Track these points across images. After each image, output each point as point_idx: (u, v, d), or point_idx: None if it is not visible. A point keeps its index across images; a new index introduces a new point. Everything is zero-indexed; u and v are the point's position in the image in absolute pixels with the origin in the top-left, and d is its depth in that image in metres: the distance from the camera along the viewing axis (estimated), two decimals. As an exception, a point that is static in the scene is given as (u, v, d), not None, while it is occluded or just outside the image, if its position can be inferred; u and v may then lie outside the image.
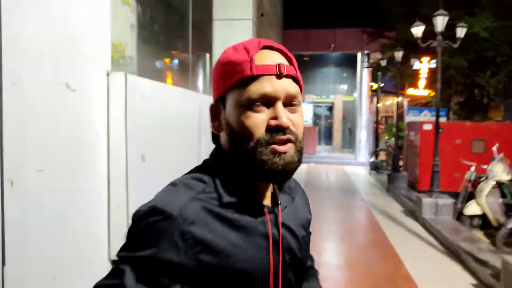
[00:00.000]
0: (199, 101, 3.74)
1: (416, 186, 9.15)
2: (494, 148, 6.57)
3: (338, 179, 11.88)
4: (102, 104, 2.08)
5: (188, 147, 3.38)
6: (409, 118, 11.21)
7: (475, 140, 8.98)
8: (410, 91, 22.97)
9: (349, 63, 19.05)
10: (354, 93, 19.55)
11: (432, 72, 18.72)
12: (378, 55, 13.73)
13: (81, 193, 1.86)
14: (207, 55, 7.85)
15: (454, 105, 11.91)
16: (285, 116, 0.76)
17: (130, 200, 2.08)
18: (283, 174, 0.78)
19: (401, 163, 10.61)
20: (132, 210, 2.47)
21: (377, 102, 12.50)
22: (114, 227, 2.04)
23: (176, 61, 7.84)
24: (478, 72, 9.90)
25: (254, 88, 0.76)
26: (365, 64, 15.05)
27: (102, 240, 2.00)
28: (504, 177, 5.98)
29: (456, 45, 6.88)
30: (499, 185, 6.15)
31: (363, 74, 16.43)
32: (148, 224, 0.73)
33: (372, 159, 13.03)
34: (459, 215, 6.50)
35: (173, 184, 0.81)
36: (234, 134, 0.79)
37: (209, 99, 5.01)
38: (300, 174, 12.74)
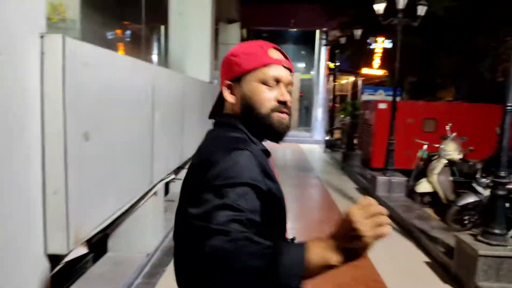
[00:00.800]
0: (153, 73, 3.43)
1: (370, 164, 9.36)
2: (447, 128, 6.76)
3: (294, 157, 11.94)
4: (35, 71, 1.76)
5: (140, 123, 3.09)
6: (364, 97, 11.39)
7: (427, 119, 9.26)
8: (365, 70, 23.49)
9: (307, 41, 18.98)
10: (312, 71, 19.61)
11: (386, 52, 19.16)
12: (337, 33, 13.73)
13: (8, 177, 1.57)
14: (162, 27, 7.36)
15: (407, 84, 12.26)
16: (288, 97, 1.11)
17: (70, 185, 1.81)
18: (283, 135, 1.15)
19: (355, 141, 10.80)
20: (74, 197, 2.12)
21: (334, 81, 12.58)
22: (51, 216, 1.76)
23: (128, 32, 7.31)
24: (432, 52, 10.16)
25: (270, 71, 1.10)
26: (324, 42, 15.02)
27: (36, 232, 1.72)
28: (456, 156, 6.19)
29: (416, 23, 6.93)
30: (451, 163, 6.38)
31: (321, 52, 16.44)
32: (238, 159, 0.98)
33: (328, 138, 13.20)
34: (410, 193, 6.71)
35: (237, 138, 1.08)
36: (250, 103, 1.10)
37: (166, 73, 4.75)
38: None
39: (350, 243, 0.81)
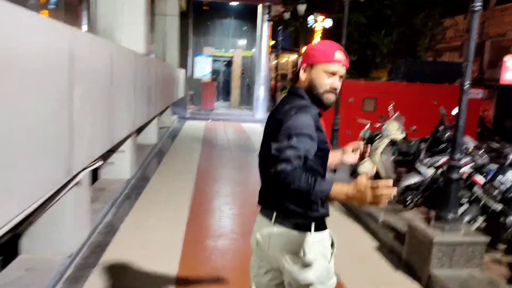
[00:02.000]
0: (70, 37, 2.81)
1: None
2: (390, 107, 6.75)
3: (237, 136, 11.58)
4: None
5: (52, 100, 2.50)
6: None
7: (367, 99, 9.32)
8: (305, 49, 23.57)
9: (249, 16, 18.43)
10: (254, 48, 19.16)
11: (327, 31, 19.24)
12: (279, 9, 13.34)
13: None
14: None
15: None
16: (338, 84, 1.72)
17: None
18: (328, 107, 1.74)
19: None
20: None
21: (277, 59, 12.28)
22: None
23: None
24: (373, 31, 10.18)
25: (331, 67, 1.68)
26: (266, 17, 14.59)
27: None
28: (399, 135, 6.20)
29: (362, -1, 6.75)
30: (393, 143, 6.40)
31: (264, 28, 16.01)
32: (302, 118, 1.57)
33: (271, 116, 12.96)
34: (352, 173, 6.67)
35: (302, 104, 1.67)
36: (314, 84, 1.71)
37: (88, 38, 4.08)
38: (199, 131, 12.12)
39: (352, 200, 1.41)
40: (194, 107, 17.73)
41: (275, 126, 1.61)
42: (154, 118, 8.39)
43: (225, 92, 20.88)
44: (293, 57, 25.31)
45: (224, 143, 10.10)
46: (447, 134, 5.43)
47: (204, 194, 5.57)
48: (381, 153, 6.30)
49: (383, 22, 10.14)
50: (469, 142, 5.54)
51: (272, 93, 16.13)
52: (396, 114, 6.39)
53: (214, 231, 4.29)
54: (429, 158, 5.05)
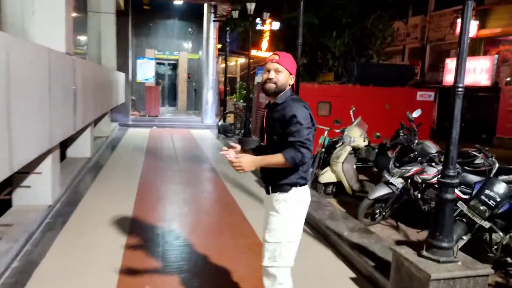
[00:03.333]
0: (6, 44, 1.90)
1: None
2: (351, 112, 6.29)
3: (185, 144, 10.70)
4: None
5: None
6: (258, 78, 10.65)
7: (322, 103, 8.89)
8: (253, 52, 23.07)
9: (194, 16, 17.56)
10: (200, 51, 18.31)
11: (274, 34, 18.85)
12: (227, 8, 12.66)
13: None
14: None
15: (300, 66, 11.92)
16: (273, 75, 2.32)
17: None
18: (270, 93, 2.35)
19: (251, 126, 10.05)
20: None
21: (226, 61, 11.58)
22: None
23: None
24: (324, 33, 9.80)
25: (266, 65, 2.39)
26: (213, 17, 13.84)
27: None
28: (361, 143, 5.73)
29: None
30: (355, 150, 5.93)
31: (210, 30, 15.25)
32: (306, 110, 2.26)
33: (220, 122, 12.24)
34: (312, 182, 6.13)
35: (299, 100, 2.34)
36: None
37: (29, 45, 3.12)
38: (142, 139, 11.08)
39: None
40: (137, 113, 16.52)
41: (287, 118, 2.25)
42: (86, 127, 7.33)
43: (171, 97, 19.80)
44: (241, 60, 24.76)
45: (171, 153, 9.20)
46: (415, 141, 5.02)
47: (146, 219, 4.71)
48: (343, 162, 5.81)
49: (334, 24, 9.79)
50: (431, 148, 5.18)
51: (222, 97, 15.40)
52: (358, 120, 5.92)
53: (156, 274, 3.44)
54: (398, 169, 4.61)
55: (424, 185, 4.67)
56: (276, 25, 20.20)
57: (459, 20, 14.46)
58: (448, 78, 15.99)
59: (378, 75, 9.61)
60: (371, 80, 9.32)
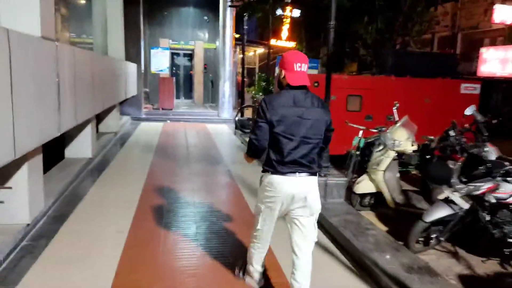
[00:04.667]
0: None
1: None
2: (394, 108, 5.24)
3: (199, 141, 9.82)
4: None
5: None
6: (278, 69, 9.63)
7: (351, 96, 7.82)
8: (273, 41, 21.96)
9: (210, 4, 16.58)
10: (217, 40, 17.35)
11: (295, 22, 17.71)
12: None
13: None
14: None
15: (324, 56, 10.84)
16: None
17: None
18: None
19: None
20: None
21: (243, 50, 10.61)
22: None
23: None
24: (354, 18, 8.68)
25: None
26: (229, 2, 12.81)
27: None
28: (408, 148, 4.68)
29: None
30: (399, 156, 4.90)
31: (227, 17, 14.25)
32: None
33: (238, 117, 11.29)
34: (348, 188, 5.16)
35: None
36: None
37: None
38: (154, 135, 10.25)
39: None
40: (151, 106, 15.73)
41: (326, 115, 2.62)
42: (85, 124, 6.50)
43: (187, 89, 18.95)
44: (260, 50, 23.68)
45: (183, 152, 8.31)
46: (484, 149, 3.97)
47: (143, 246, 3.82)
48: (385, 170, 4.79)
49: (366, 8, 8.65)
50: (491, 153, 4.13)
51: (239, 89, 14.42)
52: (404, 119, 4.86)
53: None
54: (465, 185, 3.58)
55: (496, 205, 3.65)
56: (296, 13, 19.07)
57: (496, 6, 13.09)
58: (484, 69, 14.58)
59: (416, 64, 8.46)
60: (408, 71, 8.19)
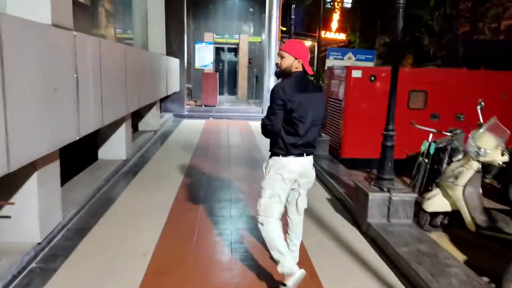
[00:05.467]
0: None
1: (340, 153, 6.87)
2: (479, 107, 4.25)
3: (241, 141, 9.17)
4: None
5: None
6: (329, 62, 8.73)
7: (414, 92, 6.81)
8: (322, 33, 20.87)
9: (256, -4, 15.91)
10: (262, 34, 16.64)
11: (346, 12, 16.58)
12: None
13: None
14: None
15: (380, 46, 9.77)
16: (277, 60, 2.83)
17: None
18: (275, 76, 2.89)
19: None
20: None
21: (290, 42, 9.81)
22: None
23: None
24: (417, 2, 7.57)
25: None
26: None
27: None
28: (497, 158, 3.70)
29: None
30: (484, 167, 3.93)
31: (273, 8, 13.49)
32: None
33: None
34: (416, 203, 4.25)
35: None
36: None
37: None
38: (195, 133, 9.76)
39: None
40: (193, 102, 15.35)
41: (323, 100, 2.95)
42: (119, 124, 6.04)
43: (230, 84, 18.42)
44: (307, 43, 22.68)
45: (223, 154, 7.70)
46: None
47: (168, 272, 3.20)
48: (466, 184, 3.85)
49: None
50: None
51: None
52: (491, 121, 3.86)
53: None
54: None
55: None
56: (348, 2, 17.88)
57: None
58: None
59: (491, 55, 7.25)
60: (480, 62, 7.03)
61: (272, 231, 2.73)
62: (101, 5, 8.96)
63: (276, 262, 2.77)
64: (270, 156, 2.83)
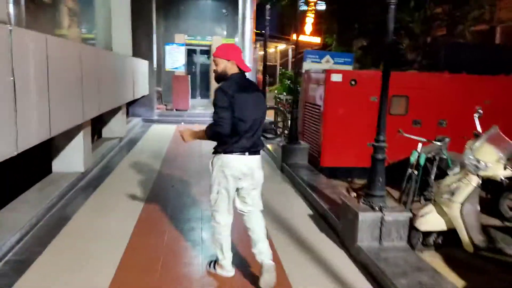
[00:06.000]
0: None
1: (319, 161, 6.46)
2: (476, 115, 3.89)
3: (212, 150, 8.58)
4: None
5: None
6: (306, 65, 8.32)
7: (396, 97, 6.49)
8: (295, 37, 20.57)
9: (229, -4, 15.41)
10: (236, 36, 16.15)
11: (324, 14, 16.33)
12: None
13: None
14: None
15: (357, 50, 9.46)
16: (213, 67, 2.94)
17: None
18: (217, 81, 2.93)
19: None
20: None
21: (265, 44, 9.35)
22: None
23: None
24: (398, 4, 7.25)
25: None
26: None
27: None
28: (499, 172, 3.34)
29: None
30: (483, 182, 3.56)
31: (247, 10, 13.04)
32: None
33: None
34: (410, 221, 3.84)
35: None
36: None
37: None
38: (164, 140, 9.13)
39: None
40: (164, 106, 14.65)
41: (263, 94, 3.13)
42: (75, 132, 5.39)
43: (203, 88, 17.80)
44: (281, 46, 22.35)
45: (194, 164, 7.10)
46: None
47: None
48: (464, 202, 3.47)
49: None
50: None
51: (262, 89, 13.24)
52: (491, 131, 3.50)
53: None
54: None
55: None
56: (321, 5, 17.65)
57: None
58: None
59: (473, 59, 7.02)
60: (463, 66, 6.78)
61: (220, 226, 2.96)
62: (63, 3, 8.24)
63: (216, 259, 3.10)
64: (213, 153, 2.93)
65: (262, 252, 2.90)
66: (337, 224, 3.99)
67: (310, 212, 4.69)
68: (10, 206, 4.17)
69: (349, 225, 3.59)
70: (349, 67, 8.12)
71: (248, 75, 10.07)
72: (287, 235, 3.99)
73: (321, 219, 4.44)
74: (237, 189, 2.92)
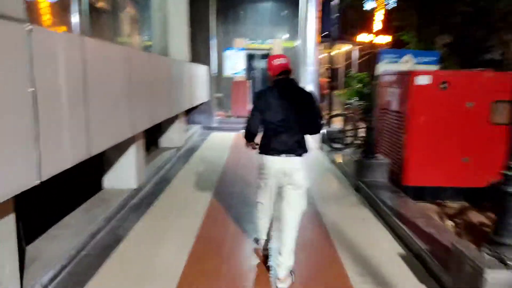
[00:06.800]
0: None
1: (401, 179, 5.45)
2: None
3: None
4: None
5: None
6: (381, 66, 7.26)
7: (500, 103, 5.33)
8: (361, 37, 19.25)
9: (291, -3, 14.63)
10: (298, 38, 15.31)
11: (389, 13, 14.98)
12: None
13: None
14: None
15: (441, 47, 8.20)
16: None
17: None
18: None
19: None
20: None
21: (330, 50, 8.31)
22: None
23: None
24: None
25: None
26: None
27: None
28: None
29: None
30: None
31: (309, 10, 12.17)
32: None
33: (325, 128, 9.11)
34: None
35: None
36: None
37: None
38: (223, 150, 8.55)
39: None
40: (223, 113, 14.20)
41: (308, 99, 3.03)
42: (127, 145, 4.89)
43: (263, 93, 17.12)
44: (345, 47, 21.10)
45: (255, 177, 6.38)
46: None
47: None
48: None
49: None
50: None
51: (325, 92, 12.28)
52: None
53: None
54: None
55: None
56: (392, 4, 16.27)
57: None
58: None
59: None
60: None
61: (258, 211, 3.34)
62: (123, 11, 8.00)
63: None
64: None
65: (281, 264, 3.00)
66: (442, 274, 3.00)
67: (401, 251, 3.70)
68: (51, 231, 3.71)
69: (466, 282, 2.60)
70: (434, 67, 6.95)
71: (309, 78, 9.73)
72: (375, 283, 3.08)
73: (417, 261, 3.46)
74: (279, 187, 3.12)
